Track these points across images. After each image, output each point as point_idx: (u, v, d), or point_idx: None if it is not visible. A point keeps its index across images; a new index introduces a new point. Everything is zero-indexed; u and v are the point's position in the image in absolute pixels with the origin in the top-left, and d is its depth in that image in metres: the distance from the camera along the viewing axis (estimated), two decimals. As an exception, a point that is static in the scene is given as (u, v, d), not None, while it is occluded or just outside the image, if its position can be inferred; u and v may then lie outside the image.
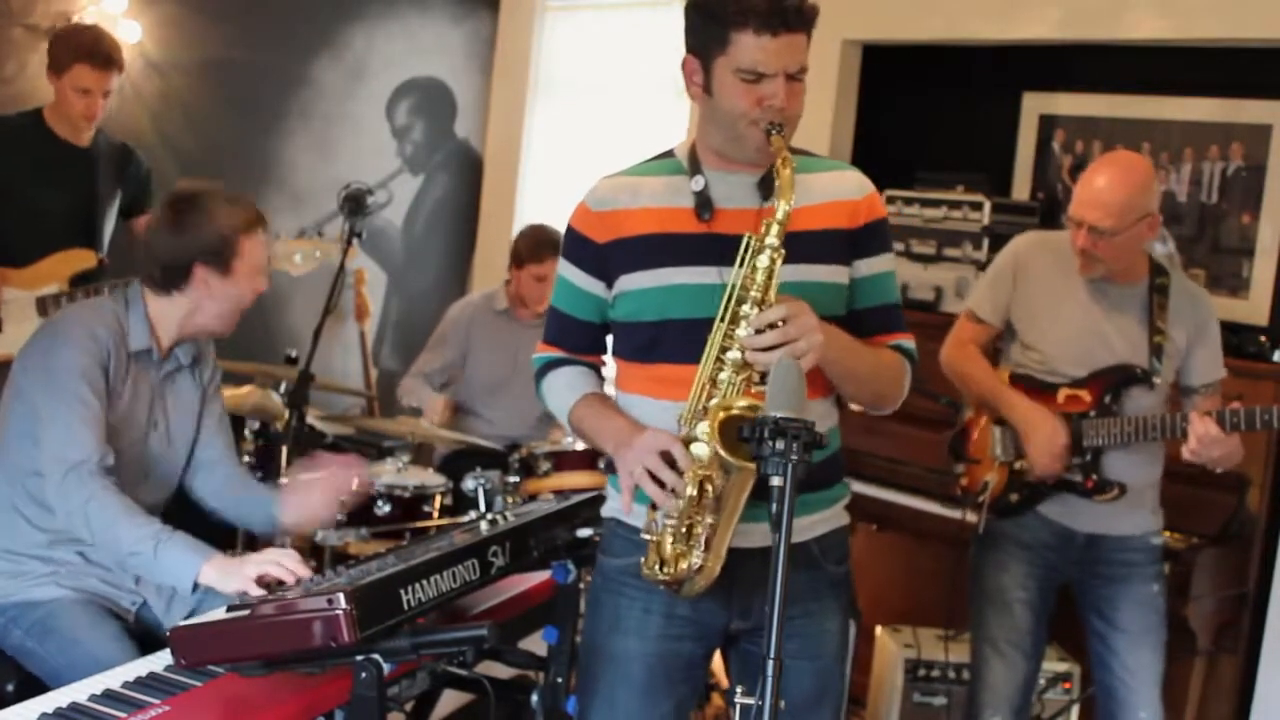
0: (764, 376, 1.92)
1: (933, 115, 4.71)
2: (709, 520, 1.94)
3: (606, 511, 2.23)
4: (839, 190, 2.12)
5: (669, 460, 1.94)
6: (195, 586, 2.32)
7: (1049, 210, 4.28)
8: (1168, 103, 4.13)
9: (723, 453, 1.87)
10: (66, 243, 3.62)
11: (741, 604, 2.11)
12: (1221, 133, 4.04)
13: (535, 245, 4.28)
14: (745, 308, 1.95)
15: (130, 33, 4.41)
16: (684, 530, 1.95)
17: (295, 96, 5.06)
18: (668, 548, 1.96)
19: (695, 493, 1.93)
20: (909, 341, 2.19)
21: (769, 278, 1.95)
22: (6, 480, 2.53)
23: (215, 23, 4.72)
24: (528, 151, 5.65)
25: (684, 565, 1.95)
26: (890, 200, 4.35)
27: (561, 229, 4.51)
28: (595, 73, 5.44)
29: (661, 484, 1.94)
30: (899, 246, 4.19)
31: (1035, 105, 4.47)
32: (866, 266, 2.13)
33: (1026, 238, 3.10)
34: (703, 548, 1.94)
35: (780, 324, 1.90)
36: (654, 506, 1.98)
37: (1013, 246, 3.07)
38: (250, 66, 4.87)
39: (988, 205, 4.18)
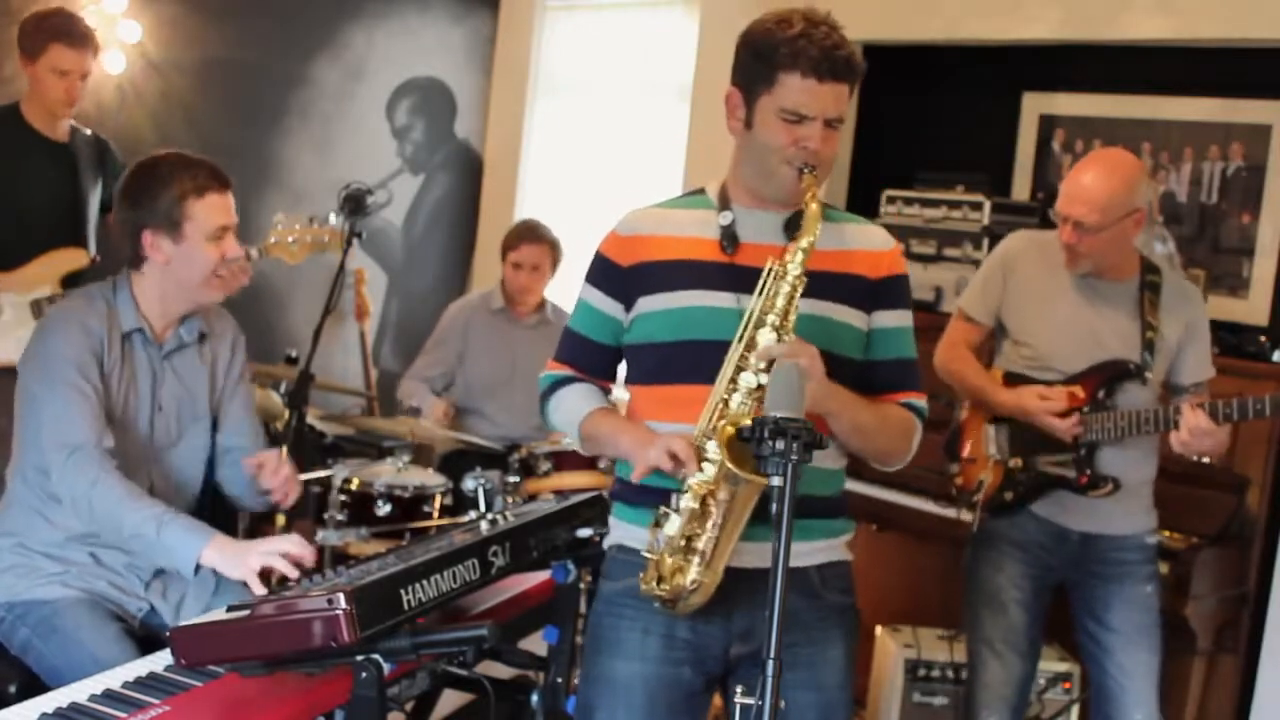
0: None
1: (933, 115, 4.71)
2: (711, 534, 1.95)
3: (608, 544, 2.23)
4: (865, 241, 2.16)
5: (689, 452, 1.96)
6: (198, 569, 2.31)
7: (1049, 210, 4.27)
8: (1168, 103, 4.13)
9: (730, 465, 1.89)
10: (54, 242, 3.56)
11: (742, 626, 2.10)
12: (1221, 133, 4.04)
13: (513, 233, 4.42)
14: (763, 332, 1.98)
15: (130, 33, 4.41)
16: (683, 543, 1.96)
17: (295, 96, 5.06)
18: (667, 563, 1.98)
19: (698, 506, 1.95)
20: (920, 400, 2.20)
21: (789, 304, 1.98)
22: (25, 479, 2.53)
23: (215, 23, 4.72)
24: (528, 151, 5.65)
25: (681, 581, 1.96)
26: (890, 200, 4.35)
27: (558, 229, 4.57)
28: (595, 73, 5.43)
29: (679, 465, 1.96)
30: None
31: (1035, 105, 4.48)
32: (883, 319, 2.15)
33: (1017, 236, 3.11)
34: (702, 563, 1.95)
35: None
36: (657, 525, 1.99)
37: (1003, 246, 3.08)
38: (250, 66, 4.87)
39: (988, 205, 4.18)
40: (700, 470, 1.95)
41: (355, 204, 3.84)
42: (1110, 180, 2.79)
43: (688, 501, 1.95)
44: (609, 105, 5.36)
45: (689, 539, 1.96)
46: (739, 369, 1.98)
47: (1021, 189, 4.49)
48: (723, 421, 1.96)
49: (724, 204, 2.13)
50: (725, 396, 1.99)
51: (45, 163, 3.59)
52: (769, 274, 2.00)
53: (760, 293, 2.00)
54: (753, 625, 2.09)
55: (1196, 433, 2.69)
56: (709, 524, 1.95)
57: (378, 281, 5.43)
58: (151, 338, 2.59)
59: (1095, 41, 4.14)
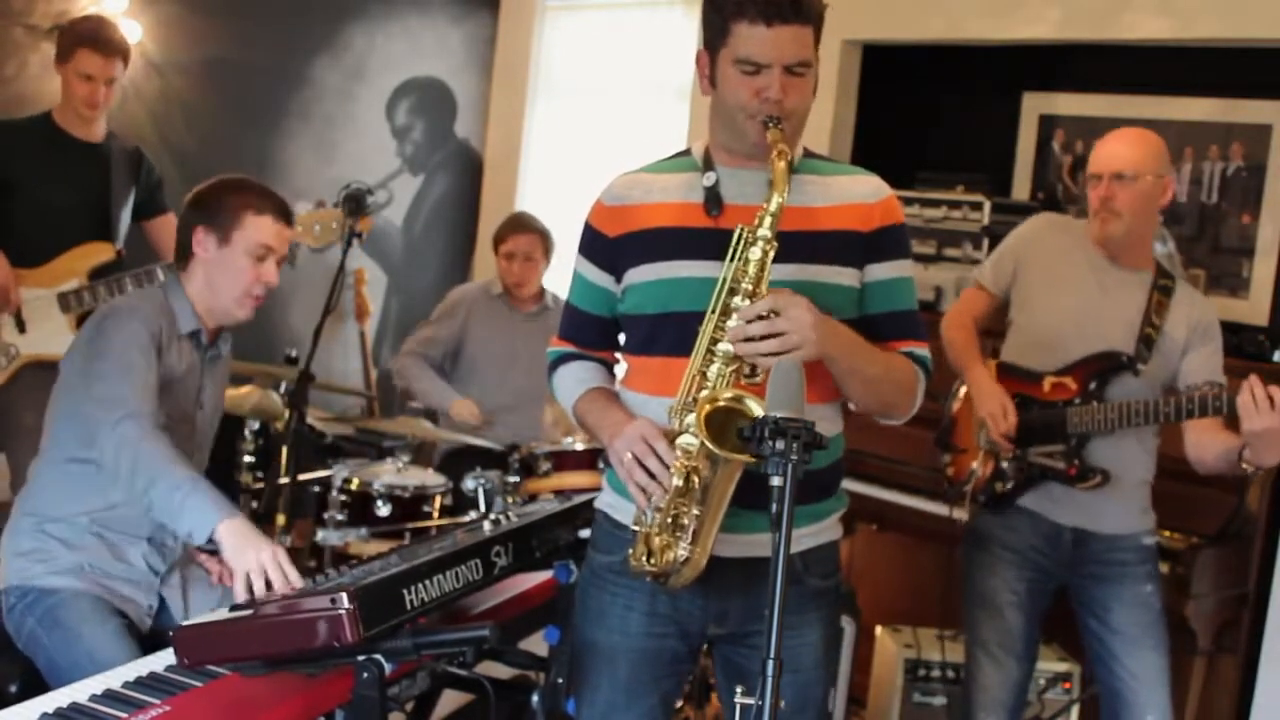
0: (754, 369, 1.93)
1: (933, 115, 4.72)
2: (695, 511, 1.94)
3: (598, 504, 2.25)
4: (854, 193, 2.11)
5: (655, 450, 1.95)
6: (210, 542, 2.32)
7: (1049, 210, 4.27)
8: (1168, 103, 4.13)
9: (709, 445, 1.87)
10: (82, 237, 3.62)
11: (718, 610, 2.12)
12: (1221, 133, 4.04)
13: (502, 226, 4.43)
14: (737, 300, 1.95)
15: (130, 33, 4.41)
16: (670, 521, 1.95)
17: (295, 96, 5.06)
18: (655, 539, 1.97)
19: (681, 483, 1.93)
20: (922, 349, 2.16)
21: (761, 270, 1.95)
22: (58, 460, 2.58)
23: (215, 23, 4.72)
24: (528, 151, 5.65)
25: (670, 556, 1.95)
26: (890, 200, 4.36)
27: (558, 229, 4.59)
28: (595, 73, 5.44)
29: (649, 473, 1.94)
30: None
31: (1035, 105, 4.48)
32: (879, 271, 2.12)
33: (1041, 217, 3.14)
34: (689, 539, 1.94)
35: (771, 316, 1.89)
36: (642, 489, 1.97)
37: (1027, 225, 3.10)
38: (250, 66, 4.87)
39: (988, 205, 4.18)
40: (663, 486, 1.94)
41: (355, 204, 3.84)
42: (1141, 140, 2.87)
43: (672, 479, 1.93)
44: (609, 105, 5.36)
45: (675, 516, 1.95)
46: (714, 339, 1.96)
47: (1021, 189, 4.49)
48: (703, 394, 1.94)
49: (707, 164, 2.11)
50: (702, 368, 1.97)
51: (76, 163, 3.64)
52: (739, 240, 1.96)
53: (731, 260, 1.96)
54: (728, 610, 2.12)
55: (1256, 408, 2.50)
56: (694, 500, 1.93)
57: (378, 281, 5.43)
58: (205, 341, 2.69)
59: (1095, 41, 4.14)
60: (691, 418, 1.93)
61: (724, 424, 1.88)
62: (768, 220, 1.94)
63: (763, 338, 1.89)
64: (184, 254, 2.67)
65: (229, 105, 4.82)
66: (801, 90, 2.01)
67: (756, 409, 1.87)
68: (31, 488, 2.63)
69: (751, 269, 1.95)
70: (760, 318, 1.89)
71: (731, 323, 1.93)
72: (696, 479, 1.93)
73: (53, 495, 2.57)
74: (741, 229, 1.97)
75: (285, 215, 2.70)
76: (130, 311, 2.57)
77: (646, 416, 2.04)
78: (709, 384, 1.96)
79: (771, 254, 1.95)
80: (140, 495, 2.38)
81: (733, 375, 1.95)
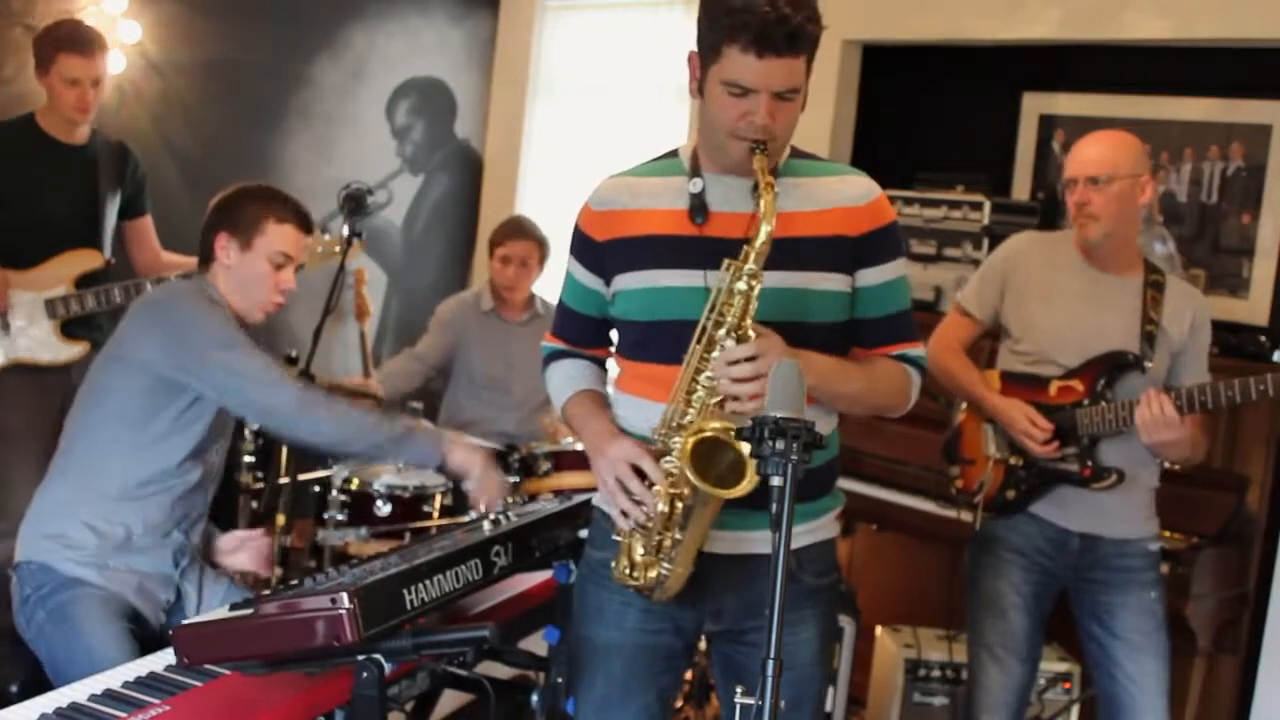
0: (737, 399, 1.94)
1: (933, 115, 4.72)
2: (677, 535, 1.98)
3: (596, 501, 2.26)
4: (843, 196, 2.10)
5: (639, 472, 1.99)
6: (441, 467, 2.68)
7: (1049, 210, 4.28)
8: (1168, 103, 4.14)
9: (693, 478, 1.88)
10: (69, 243, 3.60)
11: (713, 607, 2.14)
12: (1221, 133, 4.04)
13: (501, 229, 4.45)
14: (721, 333, 1.95)
15: (130, 33, 4.41)
16: (654, 543, 1.99)
17: (295, 96, 5.06)
18: (638, 555, 2.01)
19: (666, 508, 1.96)
20: (916, 350, 2.16)
21: (746, 304, 1.95)
22: (103, 442, 2.61)
23: (215, 23, 4.71)
24: (528, 151, 5.65)
25: (652, 574, 2.01)
26: (890, 200, 4.34)
27: (555, 228, 4.59)
28: (595, 73, 5.44)
29: (630, 494, 1.99)
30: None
31: (1035, 105, 4.48)
32: (871, 275, 2.11)
33: (1021, 236, 3.12)
34: (669, 560, 1.99)
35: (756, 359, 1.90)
36: (624, 512, 2.02)
37: (1007, 246, 3.09)
38: (250, 66, 4.87)
39: (988, 205, 4.18)
40: (644, 507, 1.98)
41: (355, 204, 3.85)
42: (1113, 141, 2.88)
43: (656, 504, 1.97)
44: (609, 105, 5.36)
45: (659, 540, 1.99)
46: (698, 370, 1.97)
47: (1021, 189, 4.49)
48: (688, 418, 1.96)
49: (694, 170, 2.10)
50: (688, 392, 1.98)
51: (62, 167, 3.62)
52: (726, 273, 1.96)
53: (717, 293, 1.96)
54: (723, 607, 2.14)
55: (1152, 422, 2.70)
56: (676, 525, 1.97)
57: (378, 281, 5.43)
58: None
59: (1095, 41, 4.14)
60: (677, 440, 1.95)
61: (709, 454, 1.90)
62: (753, 255, 1.94)
63: (744, 379, 1.90)
64: (205, 258, 2.74)
65: (229, 105, 4.81)
66: (789, 112, 2.01)
67: (744, 444, 1.87)
68: (69, 471, 2.63)
69: (737, 301, 1.95)
70: (749, 359, 1.90)
71: (714, 355, 1.95)
72: (679, 504, 1.96)
73: (92, 475, 2.59)
74: (729, 264, 1.96)
75: (306, 224, 2.77)
76: (190, 290, 2.67)
77: (631, 438, 2.07)
78: (693, 408, 1.97)
79: (757, 288, 1.94)
80: (349, 447, 2.70)
81: (716, 405, 1.96)
